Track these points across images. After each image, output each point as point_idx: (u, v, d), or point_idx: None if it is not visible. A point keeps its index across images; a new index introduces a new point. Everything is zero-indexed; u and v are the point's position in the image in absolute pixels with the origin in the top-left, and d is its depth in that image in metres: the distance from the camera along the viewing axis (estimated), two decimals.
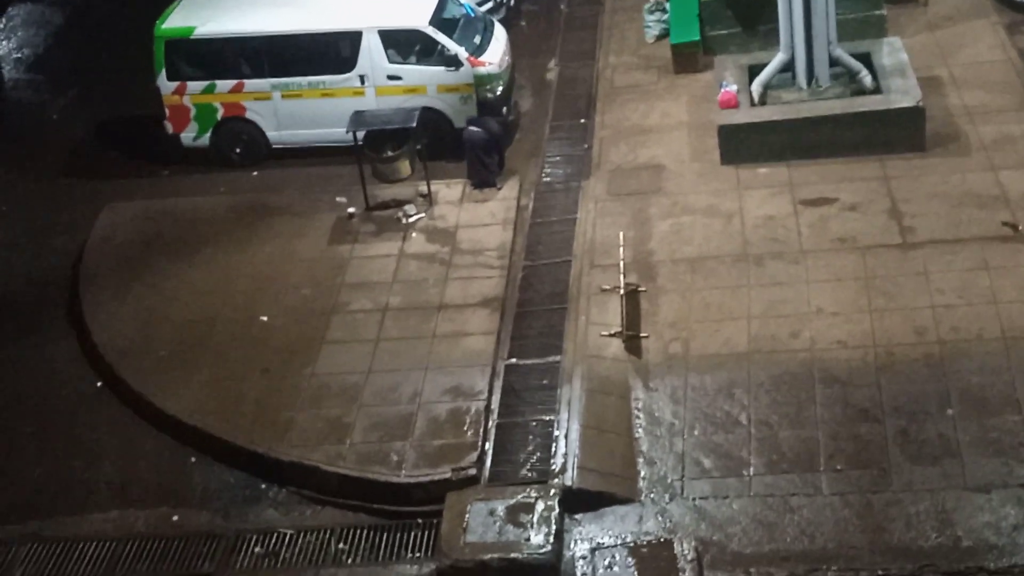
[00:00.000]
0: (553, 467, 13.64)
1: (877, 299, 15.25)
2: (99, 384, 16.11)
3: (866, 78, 18.25)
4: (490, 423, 14.37)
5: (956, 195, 16.74)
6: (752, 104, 18.36)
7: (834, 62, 18.29)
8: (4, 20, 25.97)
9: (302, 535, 13.70)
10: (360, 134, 18.35)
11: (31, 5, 26.55)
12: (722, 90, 18.46)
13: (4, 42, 25.22)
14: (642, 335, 15.30)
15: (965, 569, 12.05)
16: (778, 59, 18.39)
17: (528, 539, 12.78)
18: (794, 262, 16.06)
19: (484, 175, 18.45)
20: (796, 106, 18.15)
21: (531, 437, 14.12)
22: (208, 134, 19.92)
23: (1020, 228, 15.97)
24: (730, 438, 13.78)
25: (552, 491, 13.28)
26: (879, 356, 14.45)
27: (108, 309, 17.06)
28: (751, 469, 13.39)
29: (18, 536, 14.13)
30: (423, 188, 18.37)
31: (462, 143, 18.56)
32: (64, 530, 14.14)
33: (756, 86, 18.46)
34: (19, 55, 24.75)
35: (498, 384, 14.92)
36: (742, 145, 17.94)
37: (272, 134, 19.83)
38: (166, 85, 19.68)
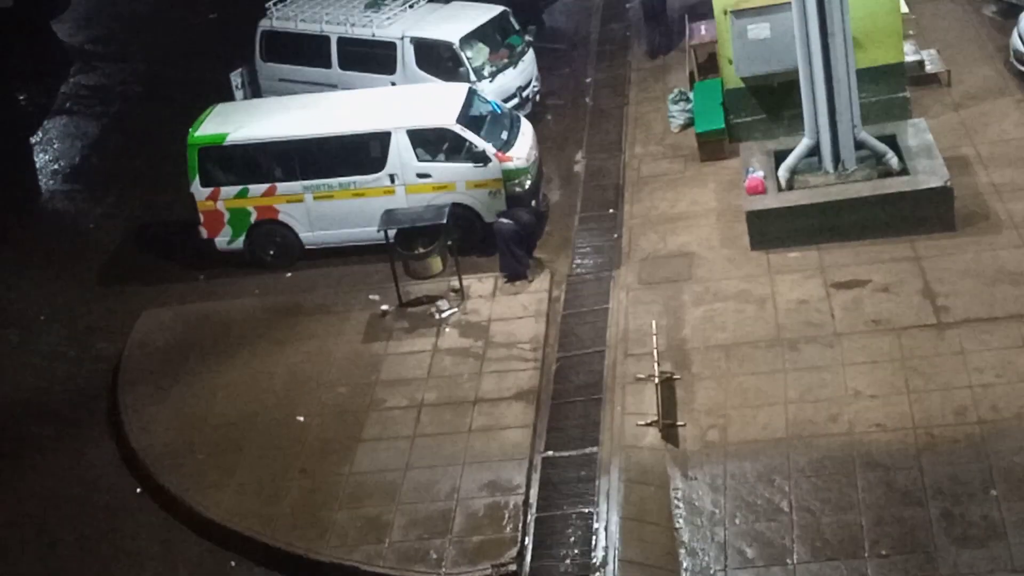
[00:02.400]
0: (594, 560, 13.53)
1: (915, 380, 15.16)
2: (139, 491, 16.16)
3: (892, 160, 18.33)
4: (529, 517, 14.30)
5: (989, 273, 16.69)
6: (779, 189, 18.44)
7: (859, 145, 18.37)
8: (40, 133, 26.52)
9: None
10: (391, 232, 18.54)
11: (66, 117, 27.12)
12: (749, 176, 18.59)
13: (41, 155, 25.72)
14: (679, 423, 15.25)
15: None
16: (803, 144, 18.50)
17: None
18: (829, 345, 16.01)
19: (516, 267, 18.57)
20: (823, 190, 18.21)
21: (571, 530, 14.03)
22: (242, 238, 20.18)
23: None
24: (772, 526, 13.64)
25: None
26: (919, 438, 14.32)
27: (146, 414, 17.18)
28: (795, 557, 13.23)
29: None
30: (455, 283, 18.50)
31: (493, 237, 18.73)
32: None
33: (783, 171, 18.56)
34: (56, 167, 25.22)
35: (536, 477, 14.88)
36: (771, 230, 18.00)
37: (305, 235, 20.06)
38: (200, 191, 19.98)
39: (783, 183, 18.49)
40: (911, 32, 21.43)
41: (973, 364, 15.18)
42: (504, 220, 18.65)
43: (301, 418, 16.55)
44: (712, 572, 13.24)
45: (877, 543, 13.17)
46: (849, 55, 17.76)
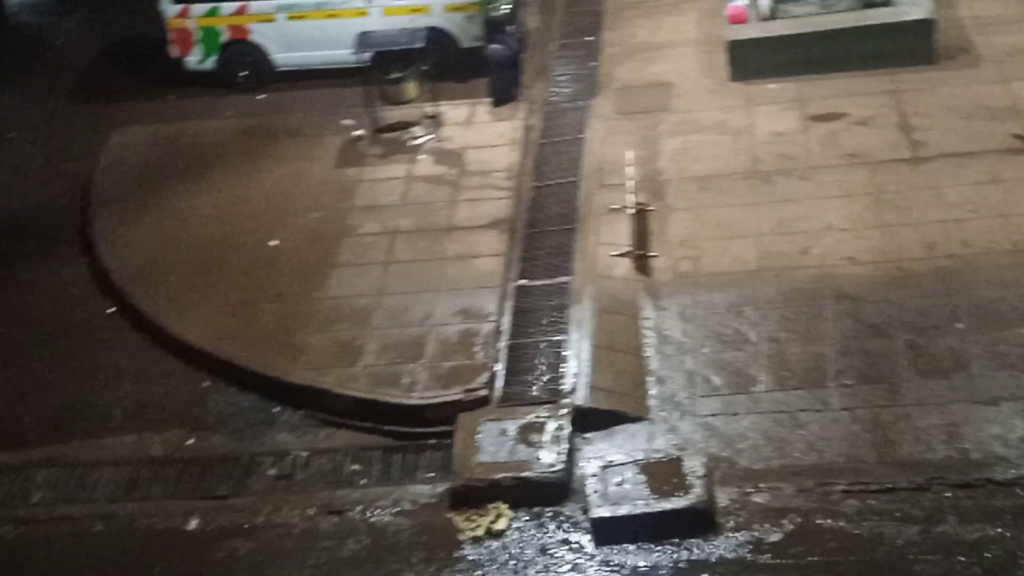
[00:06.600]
0: (564, 387, 13.72)
1: (887, 214, 15.20)
2: (111, 310, 16.19)
3: None
4: (501, 344, 14.43)
5: (967, 108, 16.60)
6: (761, 19, 18.18)
7: None
8: None
9: (315, 457, 13.83)
10: (367, 56, 18.21)
11: None
12: (730, 5, 18.29)
13: None
14: (651, 254, 15.30)
15: (973, 481, 12.09)
16: None
17: (539, 458, 12.89)
18: (804, 178, 15.99)
19: (507, 91, 18.27)
20: (806, 20, 17.96)
21: (542, 357, 14.17)
22: (213, 57, 19.81)
23: None
24: (740, 355, 13.82)
25: (563, 410, 13.37)
26: (889, 271, 14.44)
27: (118, 234, 17.10)
28: (761, 386, 13.44)
29: (35, 461, 14.29)
30: (430, 109, 18.28)
31: (472, 63, 18.43)
32: (80, 454, 14.29)
33: (765, 0, 18.24)
34: None
35: (508, 305, 14.96)
36: (751, 60, 17.80)
37: (277, 56, 19.70)
38: (170, 8, 19.54)
39: (766, 12, 18.20)
40: None
41: (946, 199, 15.21)
42: (496, 45, 18.34)
43: (275, 242, 16.52)
44: (679, 399, 13.46)
45: (842, 373, 13.37)
46: None
